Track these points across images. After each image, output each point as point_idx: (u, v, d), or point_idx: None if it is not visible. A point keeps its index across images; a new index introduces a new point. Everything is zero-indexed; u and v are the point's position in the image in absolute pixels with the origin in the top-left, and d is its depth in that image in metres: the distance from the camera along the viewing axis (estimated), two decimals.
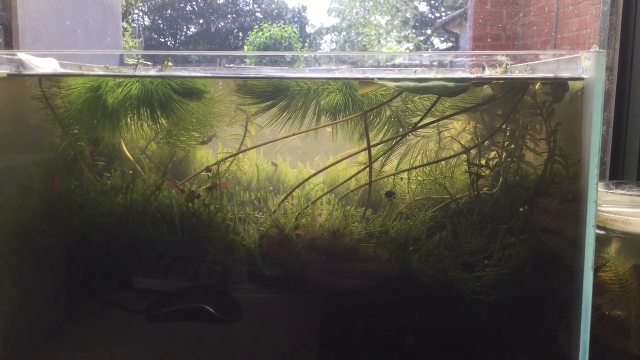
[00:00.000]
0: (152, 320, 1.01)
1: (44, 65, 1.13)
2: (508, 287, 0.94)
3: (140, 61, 1.28)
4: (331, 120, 1.05)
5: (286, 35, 10.09)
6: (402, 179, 1.05)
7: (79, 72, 0.94)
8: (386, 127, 1.08)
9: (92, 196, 0.97)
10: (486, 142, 1.05)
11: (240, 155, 1.10)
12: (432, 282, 0.94)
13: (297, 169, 1.16)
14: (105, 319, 1.04)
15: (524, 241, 0.95)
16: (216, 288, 1.02)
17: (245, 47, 10.51)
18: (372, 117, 1.07)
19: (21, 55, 1.06)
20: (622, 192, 1.19)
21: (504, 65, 1.28)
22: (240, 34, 12.39)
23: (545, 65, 1.11)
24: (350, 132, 1.07)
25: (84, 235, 0.97)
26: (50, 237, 0.99)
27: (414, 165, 1.06)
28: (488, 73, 1.38)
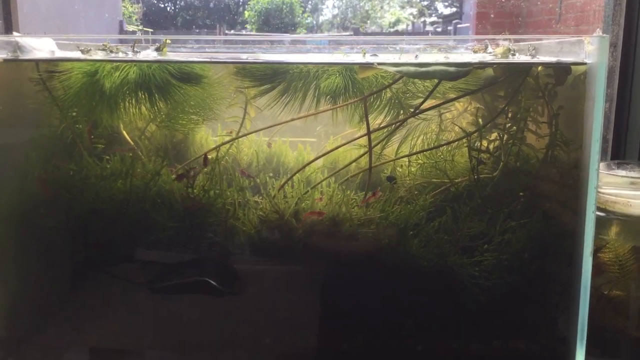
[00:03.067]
0: (155, 292, 1.02)
1: (41, 45, 1.12)
2: (507, 271, 0.94)
3: (140, 28, 1.26)
4: (331, 101, 1.04)
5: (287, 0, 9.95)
6: (401, 165, 1.04)
7: (75, 56, 0.92)
8: (386, 109, 1.07)
9: (91, 181, 0.97)
10: (487, 125, 1.04)
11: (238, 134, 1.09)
12: (432, 266, 0.94)
13: (296, 150, 1.15)
14: (108, 293, 1.05)
15: (524, 225, 0.95)
16: (218, 261, 1.02)
17: (246, 12, 10.37)
18: (372, 99, 1.06)
19: (17, 37, 1.05)
20: (623, 173, 1.19)
21: (507, 46, 1.27)
22: None
23: (548, 45, 1.09)
24: (350, 115, 1.06)
25: (84, 220, 0.98)
26: (51, 221, 0.99)
27: (414, 147, 1.06)
28: (490, 51, 1.36)
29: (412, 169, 1.07)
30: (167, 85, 0.94)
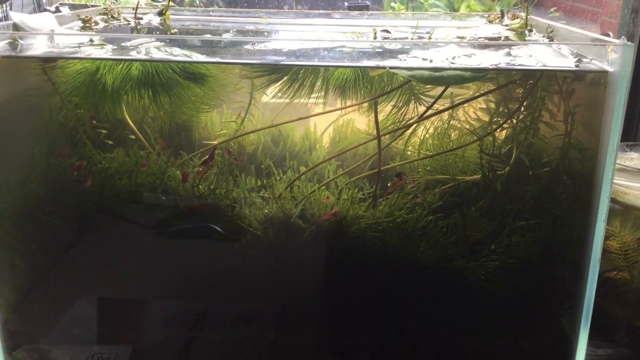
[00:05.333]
0: (162, 236, 1.03)
1: (39, 22, 1.07)
2: (514, 273, 0.94)
3: None
4: (340, 92, 1.00)
5: None
6: (413, 166, 1.02)
7: (75, 55, 0.87)
8: (397, 94, 1.04)
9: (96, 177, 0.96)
10: (501, 115, 1.01)
11: (245, 122, 1.07)
12: (438, 268, 0.94)
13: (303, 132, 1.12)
14: (115, 237, 1.06)
15: (533, 228, 0.94)
16: (223, 209, 1.03)
17: None
18: (382, 84, 1.02)
19: (14, 17, 1.00)
20: (636, 155, 1.17)
21: (524, 18, 1.21)
22: None
23: (568, 34, 1.05)
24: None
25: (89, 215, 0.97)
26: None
27: (426, 137, 1.04)
28: (506, 23, 1.31)
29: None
30: (171, 82, 0.91)
